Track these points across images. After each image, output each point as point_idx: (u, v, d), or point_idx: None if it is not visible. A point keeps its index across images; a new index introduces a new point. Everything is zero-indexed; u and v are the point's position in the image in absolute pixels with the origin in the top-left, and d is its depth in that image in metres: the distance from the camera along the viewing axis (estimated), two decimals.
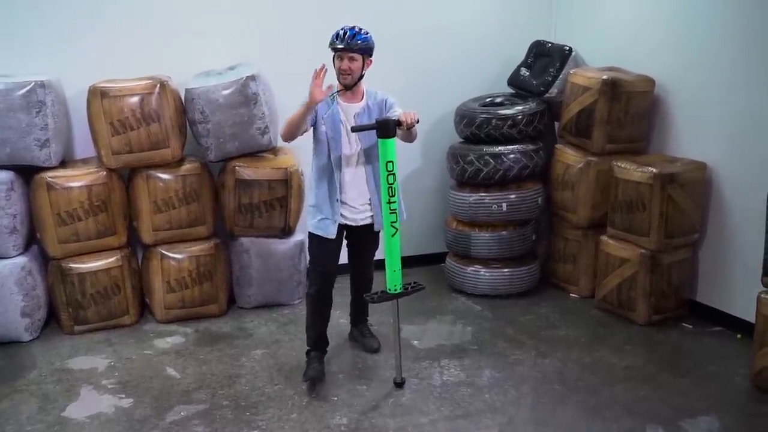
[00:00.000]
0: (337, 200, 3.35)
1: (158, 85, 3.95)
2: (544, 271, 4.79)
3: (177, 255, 4.13)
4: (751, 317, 3.57)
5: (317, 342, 3.54)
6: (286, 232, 4.31)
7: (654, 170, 3.95)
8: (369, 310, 3.95)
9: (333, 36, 3.24)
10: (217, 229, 4.30)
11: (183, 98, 4.13)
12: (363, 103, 3.37)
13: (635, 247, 4.09)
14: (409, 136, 3.36)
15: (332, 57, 3.28)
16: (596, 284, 4.42)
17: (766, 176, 3.43)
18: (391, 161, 3.15)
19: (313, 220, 3.41)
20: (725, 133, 3.98)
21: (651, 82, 4.32)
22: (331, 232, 3.37)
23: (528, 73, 4.82)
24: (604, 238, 4.31)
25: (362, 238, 3.55)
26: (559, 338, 3.99)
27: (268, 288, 4.35)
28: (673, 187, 3.92)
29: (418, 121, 3.22)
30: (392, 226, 3.22)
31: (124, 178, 4.15)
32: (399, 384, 3.40)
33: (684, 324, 4.15)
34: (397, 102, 3.42)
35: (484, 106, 4.68)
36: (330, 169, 3.33)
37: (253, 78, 4.07)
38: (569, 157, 4.53)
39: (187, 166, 4.11)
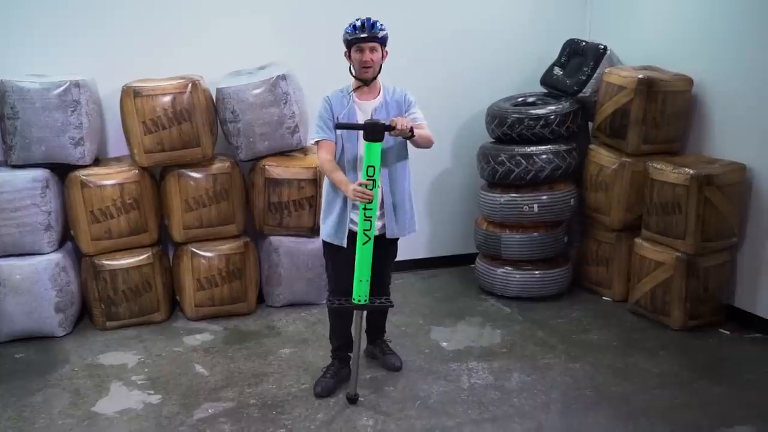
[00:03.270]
0: (350, 204, 3.19)
1: (190, 85, 3.98)
2: (576, 273, 4.71)
3: (207, 253, 4.16)
4: None
5: (338, 350, 3.45)
6: (315, 231, 4.29)
7: (691, 171, 3.85)
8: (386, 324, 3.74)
9: (350, 27, 3.12)
10: (247, 228, 4.32)
11: (214, 98, 4.16)
12: (380, 98, 3.23)
13: (671, 250, 3.99)
14: (424, 142, 3.18)
15: (347, 51, 3.17)
16: (630, 288, 4.33)
17: None
18: (373, 166, 2.98)
19: (324, 226, 3.29)
20: (766, 134, 3.85)
21: (688, 81, 4.21)
22: (341, 239, 3.22)
23: (561, 73, 4.74)
24: (638, 240, 4.22)
25: (376, 248, 3.20)
26: (591, 342, 3.91)
27: (297, 287, 4.36)
28: (710, 189, 3.82)
29: (411, 131, 3.03)
30: (365, 234, 3.05)
31: (156, 176, 4.19)
32: (352, 399, 3.22)
33: (721, 330, 4.03)
34: (417, 102, 3.28)
35: (516, 105, 4.62)
36: (343, 171, 3.19)
37: (283, 77, 4.08)
38: (603, 157, 4.44)
39: (217, 165, 4.14)
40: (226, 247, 4.20)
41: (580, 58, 4.71)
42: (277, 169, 4.16)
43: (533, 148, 4.39)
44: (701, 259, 3.93)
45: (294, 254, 4.30)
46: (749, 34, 3.90)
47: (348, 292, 3.18)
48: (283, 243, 4.28)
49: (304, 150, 4.29)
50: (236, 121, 4.08)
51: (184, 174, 4.07)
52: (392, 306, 3.30)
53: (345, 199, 3.18)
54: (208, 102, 4.10)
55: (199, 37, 4.32)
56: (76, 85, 3.82)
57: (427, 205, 5.07)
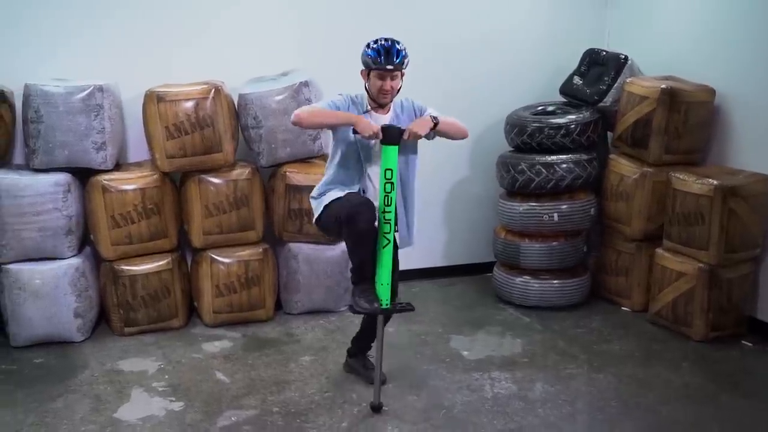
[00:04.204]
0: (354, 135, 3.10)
1: (213, 90, 3.98)
2: (595, 283, 4.68)
3: (226, 259, 4.14)
4: None
5: (365, 270, 3.10)
6: (334, 239, 4.29)
7: (715, 182, 3.84)
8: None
9: (371, 52, 3.02)
10: (266, 234, 4.30)
11: (236, 104, 4.16)
12: (390, 113, 3.19)
13: (693, 261, 3.97)
14: (453, 129, 3.18)
15: (365, 71, 3.09)
16: (650, 298, 4.30)
17: None
18: (391, 169, 2.97)
19: (325, 196, 3.14)
20: None
21: (711, 92, 4.20)
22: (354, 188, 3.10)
23: (581, 82, 4.74)
24: (659, 251, 4.20)
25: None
26: (613, 353, 3.88)
27: (316, 294, 4.34)
28: (735, 200, 3.80)
29: (434, 126, 3.07)
30: (385, 236, 3.01)
31: (177, 181, 4.18)
32: (376, 408, 3.18)
33: (743, 342, 4.00)
34: (425, 106, 3.22)
35: (535, 114, 4.61)
36: (355, 181, 3.13)
37: (306, 84, 4.08)
38: (624, 167, 4.42)
39: (238, 171, 4.13)
40: (246, 253, 4.18)
41: (601, 67, 4.71)
42: (298, 176, 4.15)
43: (554, 158, 4.38)
44: (724, 270, 3.91)
45: (313, 261, 4.28)
46: (767, 41, 3.89)
47: (372, 220, 3.00)
48: (302, 250, 4.27)
49: (324, 157, 4.27)
50: (258, 127, 4.07)
51: (204, 179, 4.06)
52: (413, 309, 3.20)
53: (359, 181, 3.12)
54: (231, 108, 4.09)
55: (221, 43, 4.33)
56: (100, 89, 3.81)
57: (444, 213, 5.06)
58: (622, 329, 4.21)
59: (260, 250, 4.21)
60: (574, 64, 4.85)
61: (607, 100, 4.56)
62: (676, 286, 4.06)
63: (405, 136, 3.02)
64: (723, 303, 3.95)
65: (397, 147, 3.00)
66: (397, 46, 3.03)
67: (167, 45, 4.24)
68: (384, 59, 3.01)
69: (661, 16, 4.68)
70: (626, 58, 4.61)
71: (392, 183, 2.99)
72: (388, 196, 2.99)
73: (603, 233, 4.69)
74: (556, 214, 4.38)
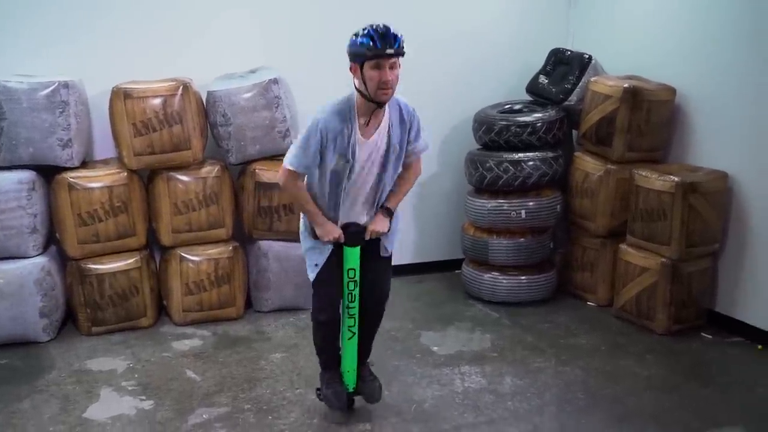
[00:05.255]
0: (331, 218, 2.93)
1: (181, 87, 3.95)
2: (561, 279, 4.77)
3: (195, 257, 4.11)
4: None
5: (330, 361, 3.15)
6: None
7: (676, 179, 3.95)
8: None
9: (364, 39, 2.59)
10: (236, 232, 4.29)
11: (205, 101, 4.13)
12: (384, 124, 2.79)
13: (656, 256, 4.08)
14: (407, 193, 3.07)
15: (355, 66, 2.66)
16: (615, 293, 4.41)
17: None
18: (353, 269, 2.94)
19: (305, 240, 3.00)
20: (747, 143, 3.97)
21: (672, 90, 4.32)
22: (325, 248, 2.92)
23: (547, 81, 4.82)
24: (623, 246, 4.30)
25: (367, 255, 2.99)
26: (580, 346, 3.97)
27: (286, 292, 4.33)
28: (695, 196, 3.92)
29: (385, 233, 2.97)
30: (349, 330, 3.03)
31: (144, 179, 4.14)
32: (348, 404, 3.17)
33: (703, 334, 4.13)
34: (421, 122, 2.92)
35: (502, 113, 4.68)
36: (325, 195, 2.90)
37: (275, 81, 4.08)
38: (588, 164, 4.52)
39: (207, 168, 4.11)
40: (215, 251, 4.16)
41: (565, 67, 4.80)
42: (267, 173, 4.14)
43: (521, 155, 4.45)
44: (685, 264, 4.03)
45: (283, 259, 4.28)
46: (728, 44, 4.02)
47: (336, 307, 2.99)
48: (272, 247, 4.26)
49: None
50: (227, 125, 4.06)
51: (173, 177, 4.03)
52: (378, 400, 3.15)
53: (327, 214, 2.92)
54: (199, 105, 4.07)
55: (189, 40, 4.29)
56: (65, 85, 3.75)
57: (413, 210, 5.10)
58: (588, 324, 4.30)
59: (230, 247, 4.19)
60: (540, 64, 4.93)
61: (572, 99, 4.66)
62: (640, 281, 4.16)
63: (366, 237, 2.94)
64: (684, 297, 4.07)
65: (358, 248, 2.94)
66: (392, 29, 2.65)
67: (134, 41, 4.19)
68: (381, 43, 2.59)
69: (624, 18, 4.79)
70: (590, 58, 4.71)
71: (355, 281, 2.96)
72: (351, 293, 2.98)
73: (569, 230, 4.79)
74: (523, 211, 4.45)
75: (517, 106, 4.78)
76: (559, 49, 4.93)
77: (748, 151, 3.97)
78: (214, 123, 4.12)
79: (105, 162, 4.16)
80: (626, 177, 4.30)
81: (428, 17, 4.87)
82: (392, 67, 2.65)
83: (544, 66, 4.92)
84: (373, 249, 3.03)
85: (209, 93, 4.10)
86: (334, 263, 2.97)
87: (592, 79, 4.55)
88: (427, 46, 4.86)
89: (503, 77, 5.09)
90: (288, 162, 2.86)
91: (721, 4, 4.08)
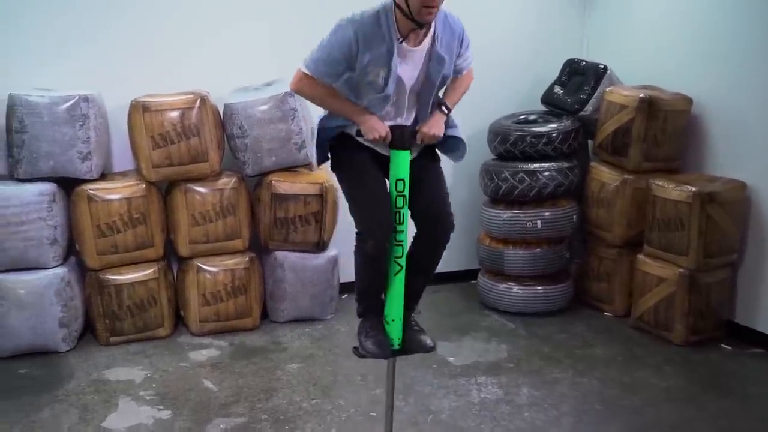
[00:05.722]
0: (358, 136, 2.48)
1: (198, 100, 4.00)
2: (578, 289, 4.75)
3: (212, 268, 4.15)
4: None
5: (374, 306, 2.66)
6: (321, 246, 4.32)
7: (693, 189, 3.93)
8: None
9: None
10: (252, 243, 4.32)
11: (222, 113, 4.18)
12: (429, 37, 2.43)
13: (673, 266, 4.05)
14: (464, 93, 2.66)
15: None
16: (632, 303, 4.38)
17: None
18: (402, 180, 2.46)
19: (330, 125, 2.51)
20: (765, 152, 3.95)
21: (688, 100, 4.31)
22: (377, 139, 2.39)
23: (562, 91, 4.82)
24: (640, 256, 4.27)
25: (419, 166, 2.53)
26: (596, 357, 3.94)
27: (302, 302, 4.35)
28: (712, 206, 3.89)
29: (439, 138, 2.55)
30: (396, 262, 2.52)
31: (162, 191, 4.19)
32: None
33: (722, 345, 4.09)
34: (467, 38, 2.57)
35: (518, 123, 4.69)
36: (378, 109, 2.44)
37: (291, 94, 4.10)
38: (605, 174, 4.51)
39: (224, 180, 4.14)
40: (232, 262, 4.19)
41: (581, 77, 4.80)
42: (283, 185, 4.17)
43: (536, 165, 4.45)
44: (703, 275, 4.00)
45: (299, 270, 4.30)
46: (745, 53, 4.00)
47: (389, 229, 2.45)
48: (288, 258, 4.29)
49: (310, 166, 4.31)
50: (244, 137, 4.10)
51: (191, 189, 4.07)
52: (432, 350, 2.69)
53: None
54: (216, 117, 4.12)
55: (206, 53, 4.35)
56: (85, 99, 3.82)
57: None
58: (605, 334, 4.28)
59: (246, 258, 4.22)
60: (555, 74, 4.94)
61: (588, 109, 4.65)
62: (657, 292, 4.14)
63: (418, 140, 2.50)
64: (702, 307, 4.03)
65: (408, 152, 2.48)
66: None
67: (152, 55, 4.25)
68: None
69: (638, 28, 4.78)
70: (605, 68, 4.71)
71: (404, 196, 2.48)
72: (399, 212, 2.49)
73: (585, 240, 4.77)
74: (539, 221, 4.45)
75: (533, 117, 4.79)
76: (574, 59, 4.93)
77: (766, 161, 3.94)
78: (231, 135, 4.16)
79: (123, 174, 4.22)
80: (643, 187, 4.28)
81: None
82: None
83: (559, 76, 4.92)
84: (424, 158, 2.56)
85: (226, 105, 4.15)
86: (379, 171, 2.51)
87: (608, 89, 4.54)
88: None
89: (518, 88, 5.10)
90: (305, 64, 2.44)
91: (735, 13, 4.07)
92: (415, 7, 2.26)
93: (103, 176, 4.10)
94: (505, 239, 4.55)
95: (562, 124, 4.57)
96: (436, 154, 2.68)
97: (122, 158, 4.30)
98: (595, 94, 4.65)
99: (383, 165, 2.54)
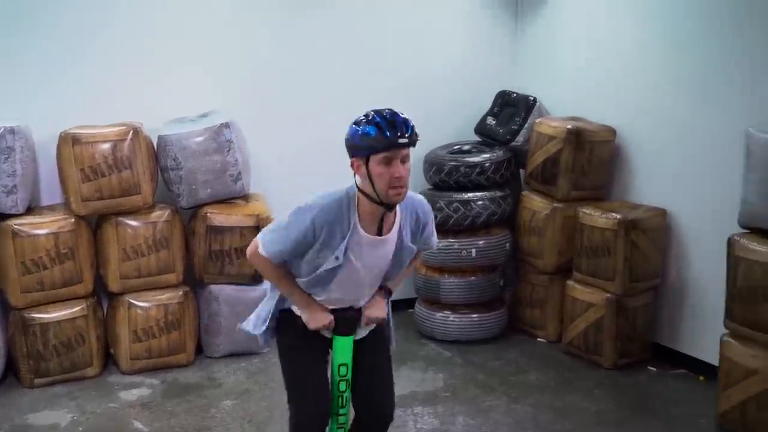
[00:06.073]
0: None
1: (131, 132, 3.94)
2: (512, 316, 4.85)
3: (145, 303, 4.05)
4: (712, 359, 3.69)
5: None
6: (257, 279, 4.28)
7: (618, 216, 4.09)
8: None
9: (371, 130, 2.16)
10: (186, 277, 4.25)
11: (156, 145, 4.12)
12: (396, 226, 2.34)
13: (601, 291, 4.19)
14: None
15: (358, 162, 2.21)
16: (563, 329, 4.50)
17: (724, 221, 3.59)
18: (345, 364, 2.39)
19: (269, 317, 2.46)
20: (683, 180, 4.16)
21: (612, 131, 4.50)
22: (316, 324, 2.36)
23: (494, 122, 4.97)
24: (570, 282, 4.41)
25: (362, 352, 2.46)
26: (530, 383, 4.03)
27: (238, 336, 4.25)
28: (636, 232, 4.06)
29: (383, 320, 2.47)
30: None
31: (92, 225, 4.08)
32: None
33: (649, 367, 4.24)
34: (432, 218, 2.46)
35: (452, 153, 4.79)
36: (309, 279, 2.38)
37: (226, 125, 4.10)
38: (536, 203, 4.65)
39: (157, 213, 4.08)
40: (165, 296, 4.11)
41: (512, 108, 4.96)
42: (219, 217, 4.13)
43: (470, 195, 4.55)
44: (629, 299, 4.15)
45: (234, 303, 4.25)
46: (664, 87, 4.22)
47: (326, 413, 2.38)
48: (223, 291, 4.23)
49: (246, 197, 4.29)
50: (178, 169, 4.05)
51: (122, 222, 3.99)
52: None
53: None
54: (150, 149, 4.06)
55: (140, 84, 4.29)
56: (11, 131, 3.71)
57: None
58: (539, 360, 4.38)
59: (180, 292, 4.15)
60: (488, 105, 5.09)
61: (519, 140, 4.80)
62: (587, 317, 4.27)
63: (362, 324, 2.43)
64: (629, 331, 4.18)
65: (351, 338, 2.42)
66: (399, 113, 2.22)
67: (83, 85, 4.17)
68: (391, 132, 2.15)
69: (565, 62, 4.98)
70: (535, 100, 4.89)
71: (347, 381, 2.40)
72: (342, 396, 2.41)
73: (518, 267, 4.89)
74: (473, 250, 4.54)
75: (467, 147, 4.90)
76: (506, 91, 5.09)
77: (685, 188, 4.15)
78: (164, 167, 4.11)
79: (52, 208, 4.09)
80: (572, 215, 4.43)
81: (379, 64, 4.97)
82: (404, 159, 2.19)
83: (492, 108, 5.07)
84: (368, 343, 2.48)
85: (160, 137, 4.10)
86: (319, 356, 2.45)
87: (537, 120, 4.70)
88: (378, 90, 4.96)
89: (453, 118, 5.21)
90: (263, 246, 2.33)
91: (653, 52, 4.29)
92: (383, 191, 2.18)
93: (29, 210, 3.97)
94: (441, 268, 4.62)
95: (495, 154, 4.70)
96: (387, 337, 2.60)
97: (51, 191, 4.17)
98: (526, 125, 4.81)
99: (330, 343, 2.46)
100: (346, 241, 2.26)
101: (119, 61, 4.26)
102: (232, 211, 4.17)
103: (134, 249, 4.00)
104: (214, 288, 4.22)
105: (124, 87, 4.26)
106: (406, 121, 2.20)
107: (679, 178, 4.17)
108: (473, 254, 4.53)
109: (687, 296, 4.18)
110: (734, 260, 3.40)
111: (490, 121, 5.00)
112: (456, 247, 4.53)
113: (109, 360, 4.19)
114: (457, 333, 4.59)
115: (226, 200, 4.21)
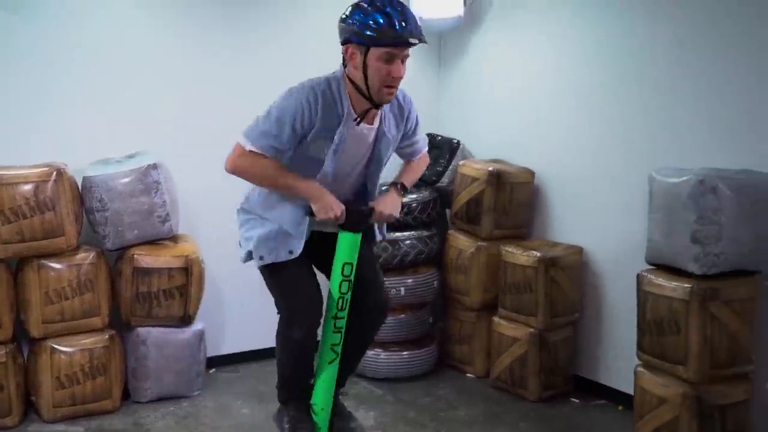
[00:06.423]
0: (307, 215, 2.29)
1: (55, 173, 3.88)
2: (441, 352, 4.96)
3: (68, 348, 3.94)
4: (629, 389, 3.88)
5: (298, 392, 2.52)
6: (186, 321, 4.25)
7: (538, 254, 4.29)
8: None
9: (380, 17, 2.00)
10: (112, 320, 4.16)
11: (80, 186, 4.07)
12: (378, 117, 2.31)
13: (525, 326, 4.36)
14: (419, 174, 2.52)
15: (357, 52, 2.08)
16: (490, 364, 4.63)
17: (635, 258, 3.82)
18: (350, 264, 2.28)
19: (256, 242, 2.34)
20: (596, 220, 4.41)
21: (531, 173, 4.75)
22: (295, 247, 2.26)
23: None
24: (496, 319, 4.57)
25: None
26: (459, 419, 4.12)
27: (166, 380, 4.22)
28: (555, 269, 4.27)
29: (395, 218, 2.41)
30: (332, 349, 2.37)
31: (12, 268, 3.96)
32: None
33: (572, 398, 4.41)
34: (414, 107, 2.40)
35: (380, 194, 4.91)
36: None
37: (154, 166, 4.09)
38: (461, 242, 4.82)
39: (82, 255, 4.00)
40: (90, 341, 4.00)
41: (437, 150, 5.15)
42: (146, 258, 4.09)
43: (398, 234, 4.67)
44: (550, 333, 4.33)
45: (162, 345, 4.19)
46: (575, 133, 4.50)
47: (317, 313, 2.31)
48: (151, 334, 4.16)
49: (174, 238, 4.27)
50: (104, 210, 4.01)
51: (45, 265, 3.89)
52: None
53: (304, 211, 2.27)
54: (74, 190, 4.00)
55: (62, 124, 4.22)
56: None
57: None
58: (468, 395, 4.48)
59: (106, 336, 4.06)
60: None
61: (444, 181, 4.99)
62: (512, 351, 4.42)
63: (373, 220, 2.36)
64: (552, 364, 4.35)
65: (360, 235, 2.31)
66: (408, 7, 2.07)
67: (3, 124, 4.08)
68: (401, 27, 2.01)
69: (487, 106, 5.21)
70: (458, 143, 5.10)
71: (350, 281, 2.30)
72: (343, 297, 2.33)
73: (446, 304, 5.02)
74: (402, 288, 4.65)
75: (385, 188, 5.01)
76: (432, 134, 5.28)
77: (596, 228, 4.41)
78: (90, 209, 4.05)
79: None
80: (495, 253, 4.61)
81: None
82: (403, 60, 2.11)
83: None
84: (363, 238, 2.39)
85: (85, 178, 4.05)
86: (306, 269, 2.36)
87: (461, 162, 4.91)
88: None
89: None
90: (249, 139, 2.18)
91: (567, 99, 4.58)
92: (375, 87, 2.11)
93: None
94: None
95: (422, 194, 4.86)
96: (374, 234, 2.52)
97: None
98: (450, 167, 5.01)
99: (322, 243, 2.34)
100: (343, 125, 2.13)
101: (41, 99, 4.18)
102: (161, 252, 4.14)
103: (57, 292, 3.90)
104: (141, 331, 4.15)
105: (46, 126, 4.19)
106: (415, 18, 2.04)
107: (592, 218, 4.44)
108: (402, 292, 4.64)
109: (604, 330, 4.40)
110: (643, 295, 3.63)
111: None
112: (385, 285, 4.62)
113: (29, 408, 4.02)
114: (387, 371, 4.65)
115: (153, 241, 4.18)
